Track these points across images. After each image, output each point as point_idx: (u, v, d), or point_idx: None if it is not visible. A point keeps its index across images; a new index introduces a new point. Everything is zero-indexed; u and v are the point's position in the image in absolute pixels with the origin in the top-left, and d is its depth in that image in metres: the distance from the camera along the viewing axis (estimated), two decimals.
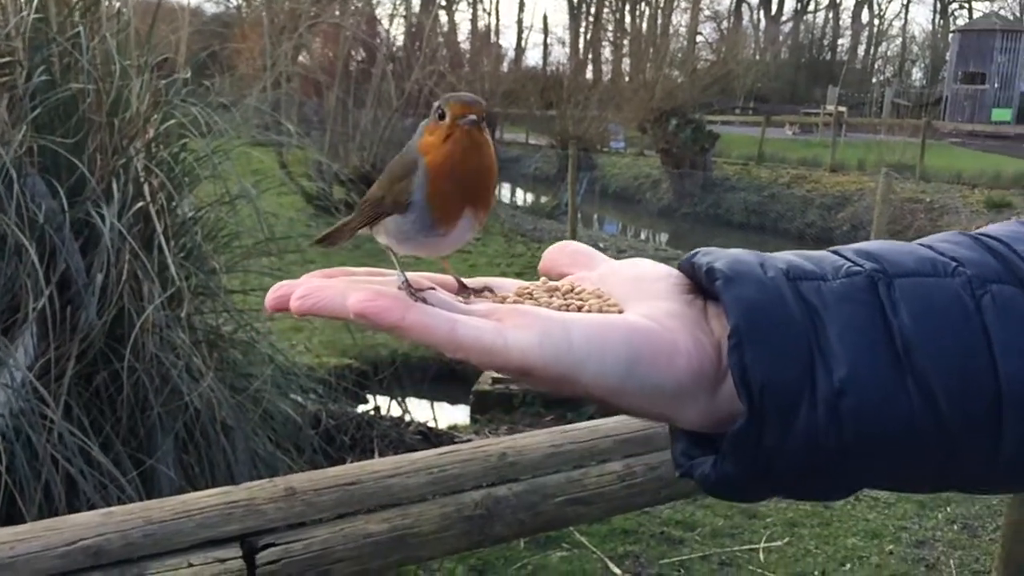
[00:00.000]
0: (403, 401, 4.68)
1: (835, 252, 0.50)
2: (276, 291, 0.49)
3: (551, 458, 1.79)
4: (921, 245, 0.50)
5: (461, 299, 0.55)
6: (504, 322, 0.47)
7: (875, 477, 0.47)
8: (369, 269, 0.58)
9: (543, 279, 0.58)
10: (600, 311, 0.51)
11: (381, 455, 3.69)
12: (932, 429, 0.44)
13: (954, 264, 0.47)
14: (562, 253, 0.59)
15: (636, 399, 0.47)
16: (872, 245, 0.50)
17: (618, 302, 0.52)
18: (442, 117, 0.58)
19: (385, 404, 4.64)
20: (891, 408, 0.44)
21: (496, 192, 0.61)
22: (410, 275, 0.55)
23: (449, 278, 0.58)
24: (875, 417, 0.44)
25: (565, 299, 0.53)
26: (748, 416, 0.44)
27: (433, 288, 0.54)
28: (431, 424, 4.75)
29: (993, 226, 0.52)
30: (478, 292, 0.57)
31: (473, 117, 0.57)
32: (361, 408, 3.98)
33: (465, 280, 0.58)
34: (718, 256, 0.50)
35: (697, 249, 0.52)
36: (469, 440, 3.51)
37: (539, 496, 1.75)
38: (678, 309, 0.50)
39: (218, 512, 1.50)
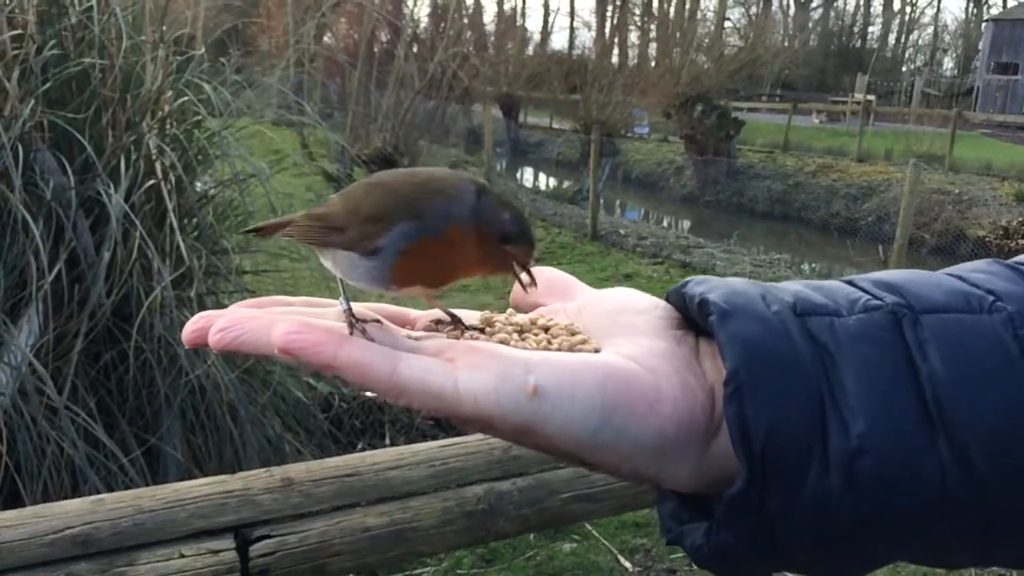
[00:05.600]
0: None
1: (850, 283, 0.43)
2: (195, 323, 0.44)
3: None
4: (950, 275, 0.43)
5: (413, 336, 0.48)
6: (456, 362, 0.41)
7: (899, 551, 0.40)
8: (307, 299, 0.51)
9: (509, 311, 0.51)
10: (571, 349, 0.44)
11: (392, 440, 3.66)
12: (968, 495, 0.37)
13: (991, 298, 0.40)
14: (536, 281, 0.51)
15: (612, 455, 0.40)
16: (893, 275, 0.43)
17: (594, 338, 0.45)
18: (505, 241, 0.47)
19: None
20: (918, 471, 0.37)
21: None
22: (356, 306, 0.48)
23: (403, 311, 0.51)
24: (899, 481, 0.37)
25: (532, 333, 0.46)
26: (747, 477, 0.37)
27: (378, 321, 0.47)
28: None
29: None
30: (434, 325, 0.50)
31: (531, 281, 0.49)
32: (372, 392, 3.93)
33: (419, 313, 0.51)
34: (713, 286, 0.43)
35: (689, 278, 0.45)
36: None
37: (544, 492, 1.69)
38: (664, 347, 0.43)
39: (212, 502, 1.46)
